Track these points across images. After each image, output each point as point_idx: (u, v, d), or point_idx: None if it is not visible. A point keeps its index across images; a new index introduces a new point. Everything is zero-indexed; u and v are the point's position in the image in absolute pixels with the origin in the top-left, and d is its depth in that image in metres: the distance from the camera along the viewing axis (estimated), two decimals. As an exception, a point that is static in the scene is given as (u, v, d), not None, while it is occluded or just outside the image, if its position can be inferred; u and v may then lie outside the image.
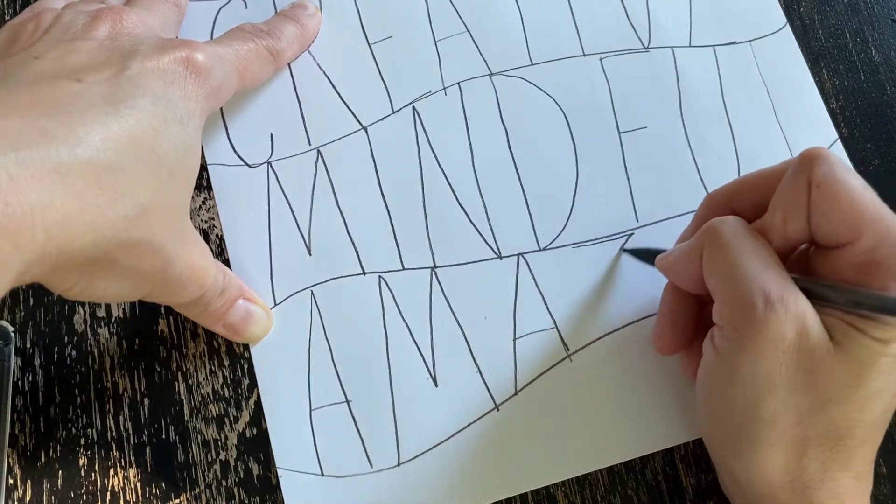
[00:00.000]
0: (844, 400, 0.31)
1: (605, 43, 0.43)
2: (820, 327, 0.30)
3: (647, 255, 0.39)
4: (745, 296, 0.31)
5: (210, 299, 0.36)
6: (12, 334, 0.40)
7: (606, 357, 0.39)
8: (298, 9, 0.43)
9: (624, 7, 0.44)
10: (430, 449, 0.38)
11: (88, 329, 0.40)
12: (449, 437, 0.38)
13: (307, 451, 0.38)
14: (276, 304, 0.40)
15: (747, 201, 0.35)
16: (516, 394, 0.38)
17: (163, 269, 0.32)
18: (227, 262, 0.40)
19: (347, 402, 0.38)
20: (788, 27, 0.43)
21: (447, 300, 0.40)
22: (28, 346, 0.40)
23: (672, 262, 0.36)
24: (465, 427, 0.38)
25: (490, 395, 0.38)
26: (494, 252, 0.40)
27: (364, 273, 0.40)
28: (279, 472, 0.37)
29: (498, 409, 0.38)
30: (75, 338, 0.40)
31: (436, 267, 0.40)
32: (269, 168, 0.41)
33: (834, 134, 0.42)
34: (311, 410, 0.38)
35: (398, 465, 0.37)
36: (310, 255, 0.40)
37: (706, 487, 0.37)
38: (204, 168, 0.41)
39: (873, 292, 0.30)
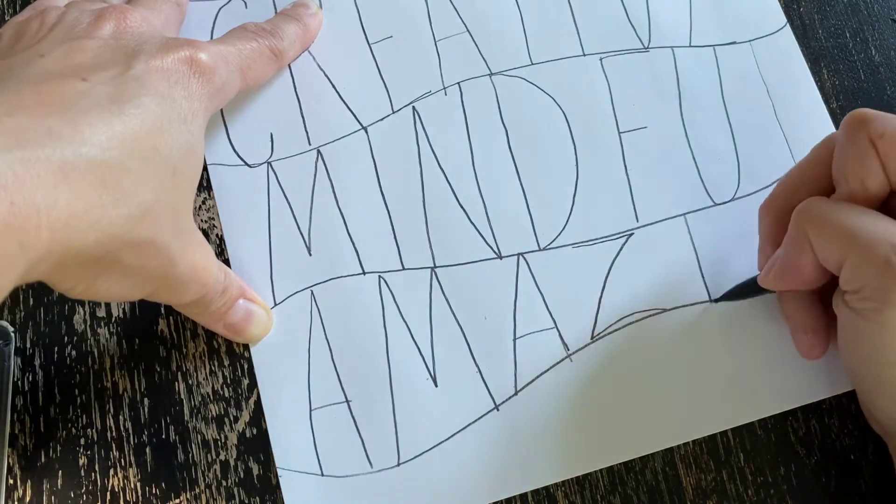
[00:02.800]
0: None
1: (605, 43, 0.43)
2: None
3: (740, 292, 0.39)
4: (877, 252, 0.30)
5: (211, 299, 0.36)
6: (12, 334, 0.40)
7: (606, 357, 0.39)
8: (300, 8, 0.43)
9: (624, 7, 0.44)
10: (430, 449, 0.38)
11: (88, 329, 0.40)
12: (449, 437, 0.38)
13: (307, 451, 0.38)
14: (276, 304, 0.40)
15: (805, 195, 0.35)
16: (516, 394, 0.38)
17: (166, 268, 0.32)
18: (227, 262, 0.40)
19: (347, 402, 0.38)
20: (788, 27, 0.43)
21: (447, 300, 0.40)
22: (28, 346, 0.40)
23: (781, 269, 0.35)
24: (465, 427, 0.38)
25: (490, 395, 0.38)
26: (494, 252, 0.40)
27: (364, 273, 0.40)
28: (279, 472, 0.37)
29: (498, 409, 0.38)
30: (75, 338, 0.40)
31: (436, 267, 0.40)
32: (269, 168, 0.42)
33: (834, 134, 0.42)
34: (311, 410, 0.38)
35: (398, 465, 0.37)
36: (310, 254, 0.40)
37: (706, 487, 0.37)
38: (204, 168, 0.41)
39: None
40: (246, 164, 0.42)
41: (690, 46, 0.43)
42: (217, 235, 0.41)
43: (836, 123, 0.42)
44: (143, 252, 0.30)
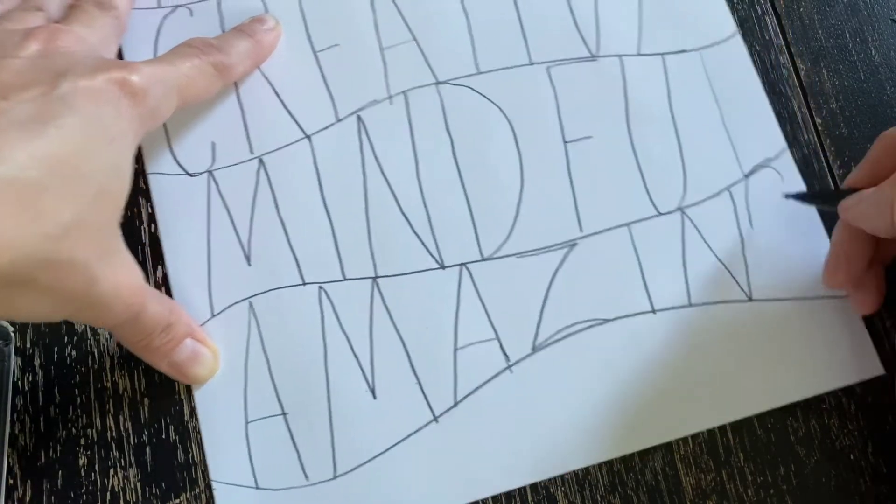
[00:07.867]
0: None
1: (553, 51, 0.42)
2: None
3: (812, 198, 0.39)
4: None
5: (151, 333, 0.36)
6: (12, 334, 0.40)
7: (547, 368, 0.38)
8: (256, 23, 0.42)
9: (572, 14, 0.43)
10: (368, 461, 0.38)
11: (88, 329, 0.40)
12: (386, 450, 0.38)
13: (242, 463, 0.38)
14: (213, 315, 0.40)
15: None
16: (455, 405, 0.38)
17: (86, 288, 0.31)
18: (164, 273, 0.40)
19: (284, 414, 0.38)
20: (739, 35, 0.42)
21: (388, 311, 0.39)
22: (28, 346, 0.40)
23: (861, 212, 0.35)
24: (404, 439, 0.38)
25: (429, 406, 0.38)
26: (437, 262, 0.40)
27: (304, 283, 0.40)
28: (213, 484, 0.38)
29: (437, 421, 0.38)
30: (75, 338, 0.40)
31: (377, 277, 0.40)
32: (210, 177, 0.41)
33: (782, 143, 0.41)
34: (246, 423, 0.38)
35: (334, 477, 0.37)
36: (249, 265, 0.40)
37: (706, 487, 0.37)
38: (144, 176, 0.41)
39: None
40: (186, 173, 0.42)
41: (639, 55, 0.42)
42: (156, 246, 0.41)
43: (836, 123, 0.41)
44: (61, 272, 0.30)
